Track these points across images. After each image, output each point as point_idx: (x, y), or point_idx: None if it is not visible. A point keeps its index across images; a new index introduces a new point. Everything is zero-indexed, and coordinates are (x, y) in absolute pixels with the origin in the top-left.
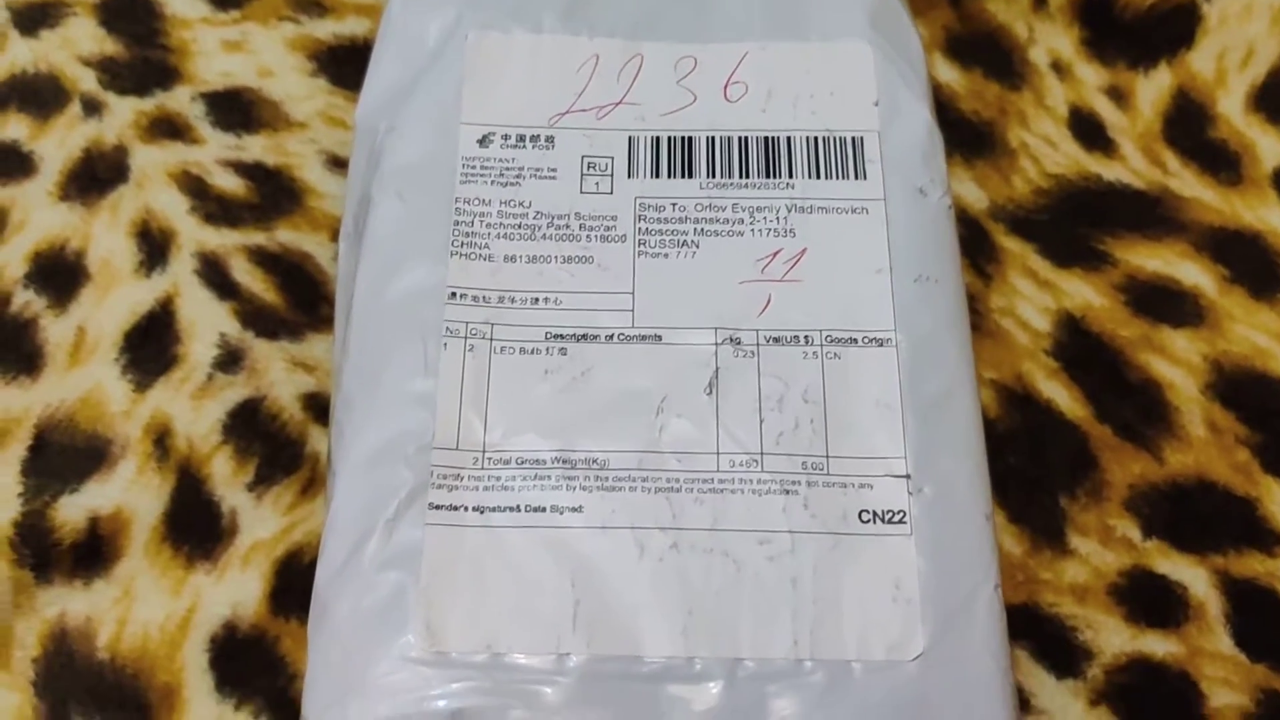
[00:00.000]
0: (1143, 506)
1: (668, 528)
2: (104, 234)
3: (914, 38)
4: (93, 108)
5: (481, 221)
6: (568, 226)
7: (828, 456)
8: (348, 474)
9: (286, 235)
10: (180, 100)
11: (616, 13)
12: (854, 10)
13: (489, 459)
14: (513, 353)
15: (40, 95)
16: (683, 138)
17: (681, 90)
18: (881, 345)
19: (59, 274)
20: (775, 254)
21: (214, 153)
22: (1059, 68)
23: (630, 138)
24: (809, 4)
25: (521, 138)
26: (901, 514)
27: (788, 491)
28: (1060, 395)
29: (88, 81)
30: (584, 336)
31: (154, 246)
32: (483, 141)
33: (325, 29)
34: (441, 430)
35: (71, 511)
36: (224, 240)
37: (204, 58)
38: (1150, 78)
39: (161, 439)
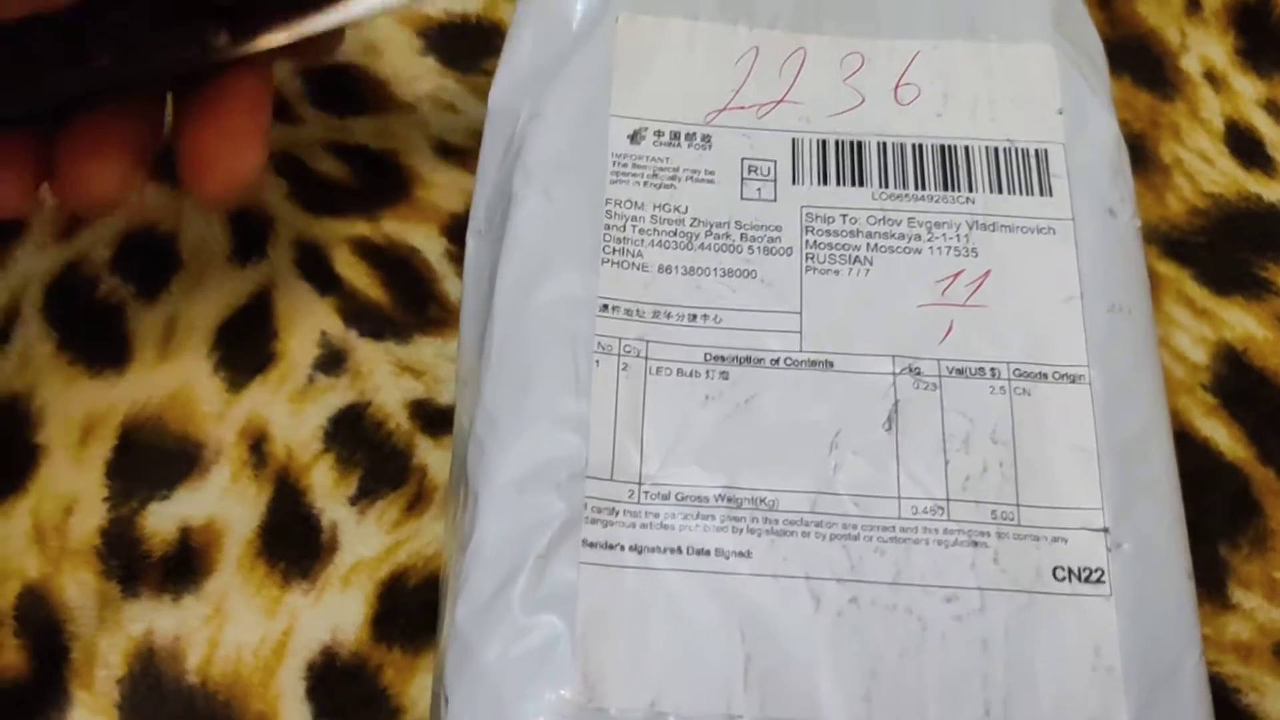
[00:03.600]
0: None
1: (845, 579)
2: (196, 217)
3: (1097, 40)
4: None
5: (634, 226)
6: (727, 236)
7: (1018, 505)
8: (493, 499)
9: (392, 226)
10: (280, 75)
11: (778, 2)
12: (1035, 8)
13: (646, 493)
14: (670, 374)
15: None
16: (852, 142)
17: (848, 90)
18: (1074, 382)
19: (148, 258)
20: (956, 275)
21: (315, 134)
22: (1213, 78)
23: (794, 140)
24: (985, 1)
25: (676, 135)
26: (1100, 572)
27: (976, 544)
28: (1220, 434)
29: None
30: (747, 359)
31: (249, 233)
32: (634, 137)
33: (435, 4)
34: (595, 457)
35: (162, 520)
36: (325, 229)
37: None
38: None
39: (258, 444)
